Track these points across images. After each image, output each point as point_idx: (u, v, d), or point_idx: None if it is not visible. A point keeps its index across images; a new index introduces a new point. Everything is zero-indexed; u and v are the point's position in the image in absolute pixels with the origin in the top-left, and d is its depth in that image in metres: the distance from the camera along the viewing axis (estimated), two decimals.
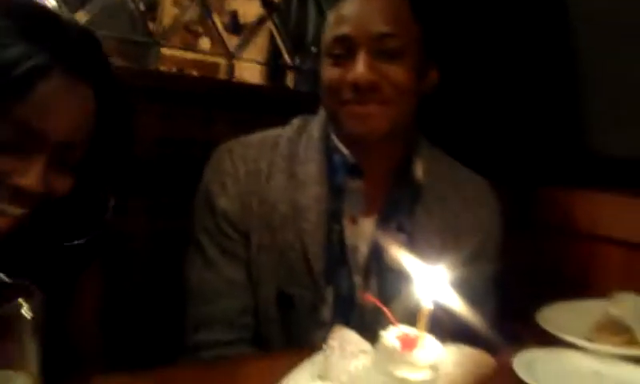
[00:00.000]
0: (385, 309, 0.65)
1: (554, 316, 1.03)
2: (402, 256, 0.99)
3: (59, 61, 0.73)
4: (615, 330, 0.98)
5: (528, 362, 0.86)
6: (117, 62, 1.46)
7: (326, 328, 1.02)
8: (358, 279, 1.06)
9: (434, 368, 0.61)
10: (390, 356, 0.61)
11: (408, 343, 0.61)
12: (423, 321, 0.63)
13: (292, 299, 1.03)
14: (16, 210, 0.74)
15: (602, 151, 1.41)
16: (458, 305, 0.65)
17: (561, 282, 1.42)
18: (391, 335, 0.63)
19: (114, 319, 0.98)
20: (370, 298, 0.72)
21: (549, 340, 0.95)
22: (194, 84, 1.40)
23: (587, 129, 1.46)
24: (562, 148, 1.49)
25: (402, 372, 0.60)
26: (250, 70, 2.20)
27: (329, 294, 1.05)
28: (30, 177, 0.73)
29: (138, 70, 1.44)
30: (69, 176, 0.79)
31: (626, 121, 1.37)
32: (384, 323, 0.71)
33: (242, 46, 1.60)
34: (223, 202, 1.04)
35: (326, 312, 1.05)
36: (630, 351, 0.91)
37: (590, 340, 0.97)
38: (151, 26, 1.49)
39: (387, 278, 1.04)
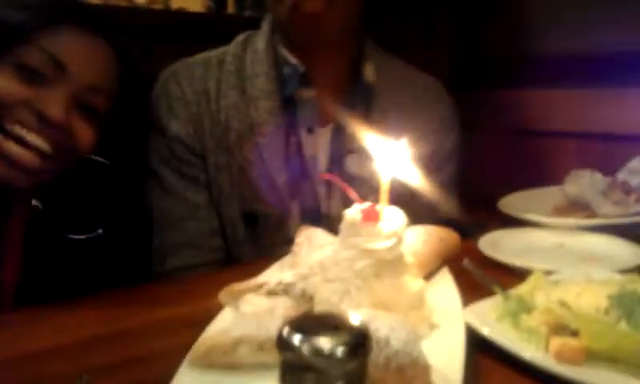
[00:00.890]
0: (345, 186, 0.64)
1: (516, 202, 1.06)
2: (363, 135, 0.97)
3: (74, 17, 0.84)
4: (573, 209, 1.01)
5: (493, 241, 0.88)
6: None
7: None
8: (321, 189, 1.05)
9: (397, 235, 0.60)
10: (355, 230, 0.61)
11: (370, 215, 0.61)
12: (384, 194, 0.62)
13: (257, 216, 1.02)
14: (39, 141, 0.79)
15: (545, 49, 1.42)
16: (417, 179, 0.64)
17: (518, 181, 1.45)
18: (354, 210, 0.62)
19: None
20: (326, 176, 0.70)
21: (513, 225, 0.97)
22: (126, 15, 1.33)
23: (530, 29, 1.47)
24: (507, 50, 1.49)
25: (367, 243, 0.60)
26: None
27: (294, 208, 1.04)
28: (55, 107, 0.79)
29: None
30: (93, 127, 0.86)
31: (564, 19, 1.38)
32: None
33: None
34: (174, 127, 1.01)
35: (293, 226, 1.04)
36: (589, 221, 0.94)
37: None
38: None
39: (350, 185, 1.03)
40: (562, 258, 0.84)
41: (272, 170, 1.00)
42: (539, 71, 1.43)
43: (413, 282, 0.62)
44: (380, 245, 0.60)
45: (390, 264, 0.61)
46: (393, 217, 0.62)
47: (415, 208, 0.74)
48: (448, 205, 1.13)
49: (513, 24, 1.49)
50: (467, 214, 1.12)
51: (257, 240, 1.03)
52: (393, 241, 0.60)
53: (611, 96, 1.28)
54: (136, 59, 1.25)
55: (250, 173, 1.00)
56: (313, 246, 0.75)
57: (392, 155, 0.64)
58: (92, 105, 0.85)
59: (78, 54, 0.83)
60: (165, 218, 1.01)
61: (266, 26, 1.06)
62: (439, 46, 1.63)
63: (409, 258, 0.64)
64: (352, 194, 0.64)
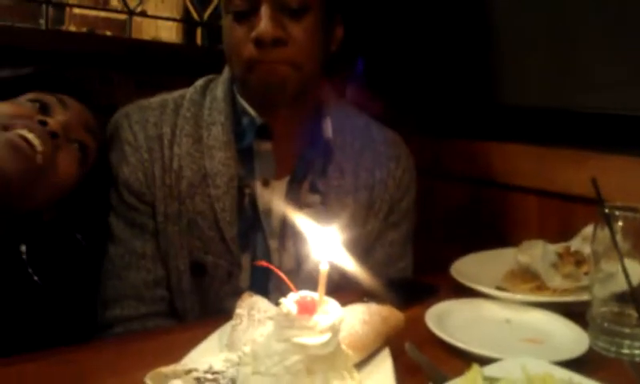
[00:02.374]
0: (281, 274, 0.62)
1: (468, 267, 1.05)
2: (302, 220, 0.96)
3: None
4: (525, 277, 1.01)
5: (440, 314, 0.87)
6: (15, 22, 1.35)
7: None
8: (273, 243, 1.03)
9: (333, 330, 0.59)
10: (288, 322, 0.59)
11: (306, 308, 0.59)
12: (322, 283, 0.61)
13: (205, 268, 0.99)
14: (36, 141, 0.83)
15: (511, 102, 1.43)
16: (353, 266, 0.62)
17: (478, 232, 1.45)
18: (289, 301, 0.60)
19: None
20: (264, 264, 0.68)
21: (465, 290, 0.96)
22: (88, 43, 1.30)
23: (495, 80, 1.47)
24: (474, 100, 1.50)
25: (300, 338, 0.58)
26: (167, 29, 2.09)
27: (245, 261, 1.01)
28: (54, 120, 0.87)
29: (22, 29, 1.31)
30: (78, 164, 0.92)
31: (532, 71, 1.39)
32: (304, 284, 0.68)
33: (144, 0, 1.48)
34: (124, 172, 0.98)
35: (243, 279, 1.02)
36: (537, 298, 0.94)
37: (501, 288, 0.99)
38: None
39: (303, 240, 1.01)
40: (507, 339, 0.84)
41: (223, 222, 0.97)
42: (504, 124, 1.44)
43: (348, 379, 0.61)
44: (314, 340, 0.58)
45: (323, 360, 0.59)
46: (330, 308, 0.61)
47: (368, 265, 0.73)
48: (402, 262, 1.12)
49: (479, 74, 1.50)
50: (421, 274, 1.12)
51: (204, 292, 1.00)
52: (327, 336, 0.59)
53: (572, 156, 1.28)
54: (95, 88, 1.24)
55: (200, 224, 0.98)
56: (253, 320, 0.73)
57: (327, 241, 0.61)
58: (81, 140, 0.92)
59: (74, 102, 0.94)
60: (109, 266, 0.98)
61: (226, 74, 1.04)
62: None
63: (345, 350, 0.63)
64: (288, 282, 0.62)
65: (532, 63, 1.38)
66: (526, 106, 1.39)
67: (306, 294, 0.61)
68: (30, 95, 0.90)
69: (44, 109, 0.89)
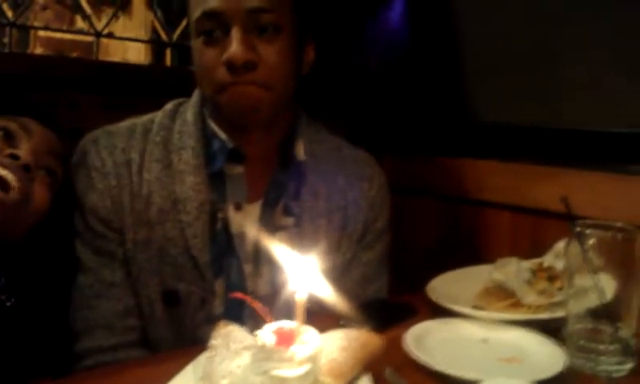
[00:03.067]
0: (256, 304, 0.61)
1: (443, 286, 1.05)
2: (278, 247, 0.95)
3: None
4: (501, 294, 1.01)
5: (418, 335, 0.86)
6: None
7: (218, 322, 0.98)
8: (248, 268, 1.01)
9: (312, 360, 0.58)
10: (266, 354, 0.57)
11: (283, 338, 0.58)
12: (300, 313, 0.60)
13: (178, 295, 0.97)
14: (9, 176, 0.83)
15: (482, 119, 1.44)
16: (331, 293, 0.61)
17: (452, 248, 1.46)
18: (266, 332, 0.59)
19: None
20: (239, 296, 0.67)
21: (442, 310, 0.96)
22: (49, 64, 1.26)
23: (467, 97, 1.49)
24: (446, 117, 1.51)
25: (278, 370, 0.56)
26: (135, 50, 2.06)
27: (218, 287, 0.99)
28: (24, 151, 0.87)
29: None
30: (48, 189, 0.91)
31: (503, 88, 1.41)
32: (281, 312, 0.67)
33: (111, 21, 1.45)
34: (91, 199, 0.95)
35: (217, 306, 0.99)
36: (513, 316, 0.94)
37: (477, 307, 0.99)
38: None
39: (278, 265, 1.00)
40: (486, 359, 0.84)
41: (195, 248, 0.95)
42: (476, 140, 1.46)
43: None
44: (293, 372, 0.57)
45: None
46: (308, 338, 0.59)
47: (344, 286, 0.71)
48: (378, 282, 1.12)
49: (451, 91, 1.52)
50: (396, 294, 1.11)
51: (177, 320, 0.97)
52: (307, 367, 0.58)
53: (543, 172, 1.30)
54: (61, 111, 1.21)
55: (171, 251, 0.95)
56: (229, 351, 0.71)
57: (304, 269, 0.60)
58: (50, 167, 0.91)
59: (37, 125, 0.92)
60: (78, 296, 0.95)
61: (196, 97, 1.03)
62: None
63: (324, 379, 0.61)
64: (263, 313, 0.60)
65: (504, 80, 1.40)
66: (497, 122, 1.41)
67: (283, 323, 0.60)
68: None
69: (8, 137, 0.88)
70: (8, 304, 0.88)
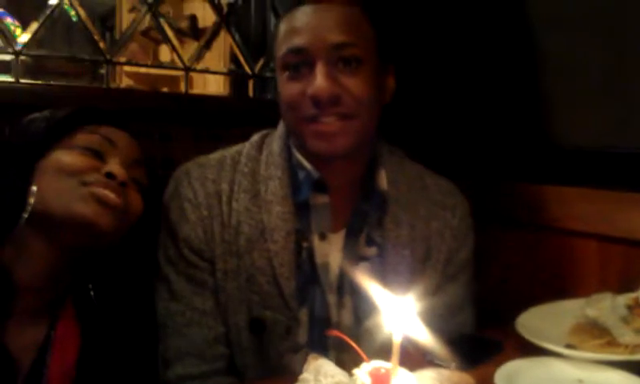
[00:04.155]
0: (353, 344, 0.61)
1: (533, 321, 1.01)
2: (368, 285, 0.95)
3: None
4: (594, 332, 0.97)
5: (509, 374, 0.84)
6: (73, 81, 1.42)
7: (302, 351, 0.99)
8: (331, 298, 1.02)
9: None
10: None
11: (379, 380, 0.58)
12: (395, 353, 0.60)
13: (264, 324, 0.99)
14: (111, 195, 0.90)
15: (566, 143, 1.39)
16: (426, 336, 0.61)
17: (535, 280, 1.40)
18: (363, 372, 0.59)
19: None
20: (336, 333, 0.68)
21: (531, 346, 0.93)
22: (144, 99, 1.34)
23: (552, 120, 1.44)
24: (527, 141, 1.47)
25: None
26: (214, 81, 2.14)
27: (303, 316, 1.01)
28: (117, 167, 0.92)
29: (82, 88, 1.37)
30: (140, 196, 0.97)
31: (586, 111, 1.35)
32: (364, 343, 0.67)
33: (199, 56, 1.52)
34: (184, 229, 0.99)
35: (302, 334, 1.01)
36: (610, 356, 0.89)
37: (570, 345, 0.95)
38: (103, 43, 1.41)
39: (362, 295, 1.00)
40: None
41: (281, 277, 0.97)
42: (561, 166, 1.40)
43: None
44: None
45: None
46: (403, 381, 0.59)
47: (429, 316, 0.71)
48: (462, 315, 1.10)
49: (535, 115, 1.47)
50: (480, 328, 1.09)
51: (262, 348, 1.00)
52: None
53: (634, 199, 1.24)
54: (154, 143, 1.27)
55: (258, 279, 0.98)
56: None
57: (400, 311, 0.60)
58: (137, 178, 0.97)
59: (120, 135, 0.97)
60: (170, 323, 0.99)
61: (281, 128, 1.06)
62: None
63: None
64: (361, 352, 0.61)
65: (591, 100, 1.34)
66: (583, 147, 1.35)
67: (378, 364, 0.60)
68: (80, 139, 0.93)
69: (97, 155, 0.93)
70: (91, 293, 0.95)
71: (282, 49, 0.96)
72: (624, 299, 1.01)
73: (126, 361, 0.95)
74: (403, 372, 0.60)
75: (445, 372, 0.74)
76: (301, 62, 0.95)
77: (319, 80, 0.92)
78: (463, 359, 0.85)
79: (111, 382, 0.92)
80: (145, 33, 2.55)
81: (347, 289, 1.02)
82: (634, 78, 1.26)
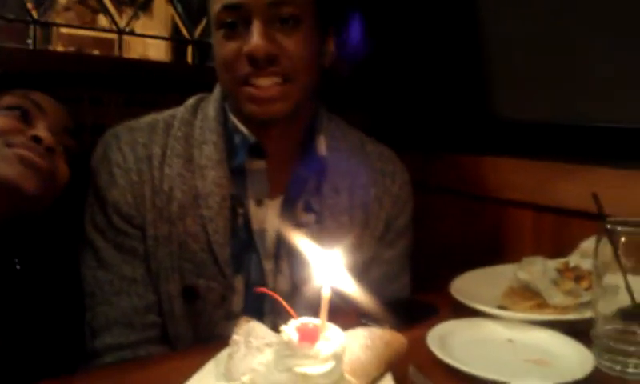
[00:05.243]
0: (281, 300, 0.60)
1: (467, 285, 1.03)
2: (301, 242, 0.94)
3: None
4: (526, 294, 0.99)
5: (441, 335, 0.84)
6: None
7: (237, 319, 0.97)
8: (268, 264, 1.00)
9: (336, 358, 0.56)
10: (290, 351, 0.56)
11: (307, 335, 0.57)
12: (324, 308, 0.58)
13: (197, 292, 0.96)
14: (36, 158, 0.87)
15: (505, 116, 1.41)
16: (356, 290, 0.60)
17: (472, 247, 1.43)
18: (290, 328, 0.57)
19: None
20: (263, 290, 0.66)
21: (465, 309, 0.94)
22: (72, 62, 1.27)
23: (489, 94, 1.46)
24: (467, 113, 1.49)
25: (302, 367, 0.55)
26: (155, 47, 2.06)
27: (238, 283, 0.99)
28: (44, 132, 0.90)
29: (10, 49, 1.29)
30: (67, 164, 0.95)
31: (526, 85, 1.38)
32: (301, 308, 0.66)
33: (133, 18, 1.45)
34: (113, 195, 0.95)
35: (237, 302, 0.99)
36: (540, 316, 0.92)
37: (502, 306, 0.97)
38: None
39: (298, 261, 0.99)
40: (511, 359, 0.82)
41: (216, 244, 0.95)
42: (497, 137, 1.43)
43: None
44: (317, 369, 0.56)
45: None
46: (332, 335, 0.58)
47: (365, 284, 0.70)
48: (400, 281, 1.10)
49: (472, 87, 1.49)
50: (417, 293, 1.09)
51: (196, 316, 0.97)
52: (331, 364, 0.56)
53: (567, 170, 1.27)
54: (84, 108, 1.21)
55: (191, 246, 0.95)
56: (251, 347, 0.70)
57: (329, 265, 0.59)
58: (66, 146, 0.95)
59: (49, 101, 0.96)
60: (98, 292, 0.95)
61: (217, 92, 1.02)
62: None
63: (348, 378, 0.60)
64: (289, 309, 0.59)
65: (526, 74, 1.37)
66: (520, 119, 1.38)
67: (307, 320, 0.59)
68: (5, 100, 0.91)
69: (25, 116, 0.90)
70: (17, 267, 0.91)
71: (216, 5, 0.92)
72: (555, 263, 1.04)
73: (49, 334, 0.91)
74: (332, 327, 0.59)
75: (376, 330, 0.73)
76: (237, 20, 0.91)
77: (255, 37, 0.89)
78: (397, 320, 0.85)
79: (28, 359, 0.88)
80: (82, 1, 2.45)
81: (284, 255, 1.00)
82: (571, 49, 1.29)
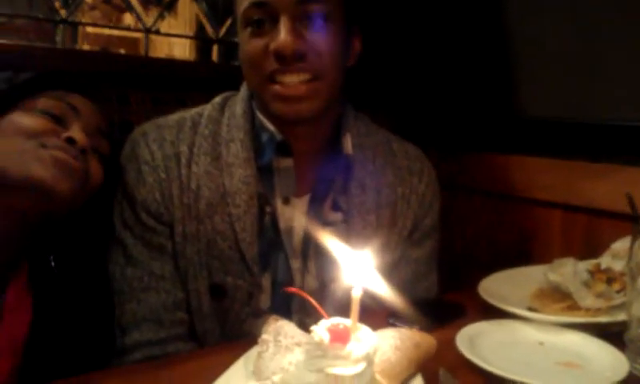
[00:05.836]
0: (312, 301, 0.59)
1: (496, 286, 1.02)
2: (329, 241, 0.93)
3: None
4: (556, 296, 0.97)
5: (471, 336, 0.83)
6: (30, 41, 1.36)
7: (264, 317, 0.97)
8: (295, 263, 1.00)
9: (367, 359, 0.56)
10: (321, 351, 0.56)
11: (338, 336, 0.56)
12: (355, 309, 0.58)
13: (225, 289, 0.96)
14: (71, 160, 0.88)
15: (533, 114, 1.39)
16: (387, 290, 0.59)
17: (500, 247, 1.41)
18: (321, 328, 0.57)
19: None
20: (293, 290, 0.65)
21: (493, 310, 0.93)
22: (100, 61, 1.28)
23: (517, 92, 1.44)
24: (495, 112, 1.47)
25: (333, 368, 0.55)
26: (180, 46, 2.08)
27: (265, 281, 0.99)
28: (78, 133, 0.89)
29: (39, 48, 1.30)
30: (101, 166, 0.95)
31: (556, 83, 1.35)
32: (329, 308, 0.65)
33: (160, 17, 1.46)
34: (141, 192, 0.95)
35: (264, 300, 0.99)
36: (571, 318, 0.90)
37: (532, 308, 0.96)
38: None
39: (326, 260, 0.99)
40: (542, 362, 0.80)
41: (243, 242, 0.95)
42: (526, 136, 1.41)
43: None
44: (348, 370, 0.55)
45: None
46: (363, 336, 0.58)
47: (392, 284, 0.70)
48: (427, 280, 1.09)
49: (500, 86, 1.47)
50: (444, 293, 1.08)
51: (223, 314, 0.97)
52: (362, 366, 0.56)
53: (597, 170, 1.25)
54: (112, 106, 1.22)
55: (219, 244, 0.95)
56: (280, 346, 0.70)
57: (360, 266, 0.58)
58: (99, 148, 0.94)
59: (84, 103, 0.95)
60: (127, 289, 0.95)
61: (244, 90, 1.02)
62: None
63: (379, 379, 0.60)
64: (320, 309, 0.59)
65: (555, 74, 1.34)
66: (548, 118, 1.36)
67: (337, 320, 0.58)
68: (40, 103, 0.90)
69: (58, 121, 0.90)
70: (52, 264, 0.92)
71: (244, 3, 0.92)
72: (586, 265, 1.02)
73: (81, 333, 0.92)
74: (364, 328, 0.58)
75: (407, 331, 0.73)
76: (264, 17, 0.91)
77: (283, 34, 0.89)
78: (426, 321, 0.84)
79: (62, 357, 0.89)
80: (107, 1, 2.48)
81: (311, 254, 1.00)
82: (600, 49, 1.26)
